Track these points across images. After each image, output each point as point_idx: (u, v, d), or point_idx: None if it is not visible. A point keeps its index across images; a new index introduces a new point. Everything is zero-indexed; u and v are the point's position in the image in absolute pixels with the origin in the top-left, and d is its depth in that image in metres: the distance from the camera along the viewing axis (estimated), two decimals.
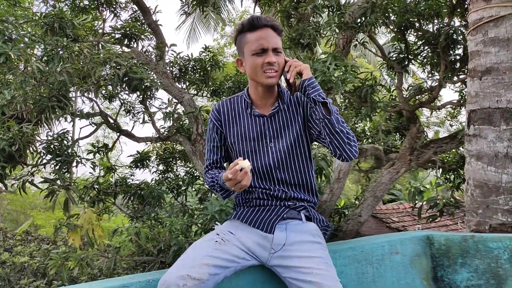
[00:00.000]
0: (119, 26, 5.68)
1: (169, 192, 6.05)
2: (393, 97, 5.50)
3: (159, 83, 5.30)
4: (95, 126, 5.63)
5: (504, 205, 2.52)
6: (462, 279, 1.96)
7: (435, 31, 4.61)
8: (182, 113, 5.74)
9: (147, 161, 6.23)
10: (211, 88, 6.25)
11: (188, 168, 6.58)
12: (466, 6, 4.13)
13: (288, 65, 1.60)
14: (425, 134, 5.49)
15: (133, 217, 5.47)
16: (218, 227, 1.62)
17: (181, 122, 5.71)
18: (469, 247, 1.96)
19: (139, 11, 6.10)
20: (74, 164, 4.76)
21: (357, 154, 1.59)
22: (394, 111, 5.50)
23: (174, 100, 5.81)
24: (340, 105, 5.55)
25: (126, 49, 5.79)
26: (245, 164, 1.42)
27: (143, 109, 5.62)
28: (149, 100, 5.46)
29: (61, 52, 4.46)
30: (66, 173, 4.68)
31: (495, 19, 2.68)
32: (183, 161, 6.66)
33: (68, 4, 5.80)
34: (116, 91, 4.97)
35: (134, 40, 5.70)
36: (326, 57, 3.89)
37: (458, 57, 4.59)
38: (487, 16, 2.72)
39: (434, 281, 2.04)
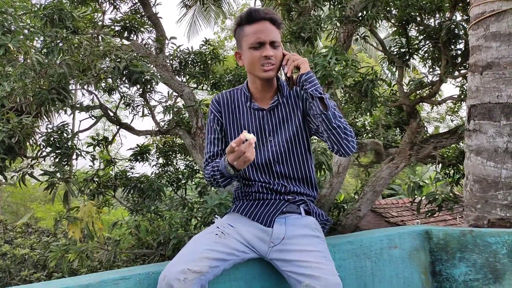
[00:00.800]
0: (118, 19, 5.64)
1: (168, 185, 6.05)
2: (394, 92, 5.48)
3: (159, 77, 5.27)
4: (95, 119, 5.62)
5: (503, 200, 2.53)
6: (460, 273, 1.97)
7: (437, 26, 4.58)
8: (182, 107, 5.73)
9: (147, 154, 6.23)
10: (211, 82, 6.24)
11: (187, 162, 6.58)
12: (467, 0, 4.11)
13: (286, 59, 1.58)
14: (425, 129, 5.48)
15: (132, 210, 5.48)
16: (218, 220, 1.62)
17: (181, 116, 5.70)
18: (468, 242, 1.97)
19: (139, 3, 6.05)
20: (74, 156, 4.75)
21: (354, 150, 1.58)
22: (394, 106, 5.49)
23: (174, 94, 5.79)
24: (340, 99, 5.53)
25: (125, 42, 5.76)
26: (250, 136, 1.41)
27: (143, 103, 5.60)
28: (149, 93, 5.44)
29: (60, 44, 4.43)
30: (66, 166, 4.68)
31: (497, 13, 2.66)
32: (183, 155, 6.66)
33: None
34: (116, 84, 4.95)
35: (134, 33, 5.66)
36: (327, 51, 3.87)
37: (459, 52, 4.57)
38: (489, 10, 2.70)
39: (433, 275, 2.05)
